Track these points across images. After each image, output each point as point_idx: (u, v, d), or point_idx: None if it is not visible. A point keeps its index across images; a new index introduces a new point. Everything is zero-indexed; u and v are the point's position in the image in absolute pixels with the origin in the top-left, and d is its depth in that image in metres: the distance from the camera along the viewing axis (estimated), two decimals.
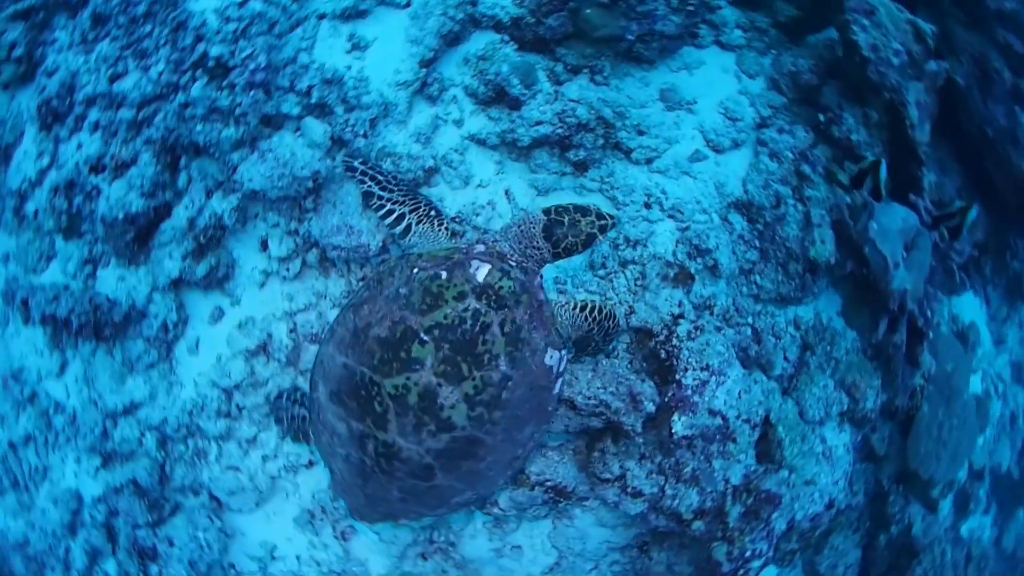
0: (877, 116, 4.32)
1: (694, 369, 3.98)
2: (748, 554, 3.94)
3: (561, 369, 3.35)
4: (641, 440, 4.00)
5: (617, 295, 4.29)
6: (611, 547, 4.43)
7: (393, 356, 2.97)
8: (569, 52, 4.41)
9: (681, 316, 4.11)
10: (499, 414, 3.10)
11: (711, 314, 4.37)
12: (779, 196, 4.45)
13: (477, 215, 4.24)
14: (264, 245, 4.13)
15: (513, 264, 3.26)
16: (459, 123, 4.35)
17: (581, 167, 4.41)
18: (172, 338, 4.04)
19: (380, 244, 3.96)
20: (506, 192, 4.35)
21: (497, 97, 4.30)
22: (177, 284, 4.01)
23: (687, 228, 4.43)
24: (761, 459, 4.24)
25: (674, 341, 4.03)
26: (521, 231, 3.33)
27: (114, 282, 3.96)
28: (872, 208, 4.09)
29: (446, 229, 3.60)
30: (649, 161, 4.54)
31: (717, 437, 4.02)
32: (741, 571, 4.00)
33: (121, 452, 3.93)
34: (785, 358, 4.54)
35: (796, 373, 4.52)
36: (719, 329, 4.33)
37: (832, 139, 4.43)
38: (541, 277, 3.39)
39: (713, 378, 3.99)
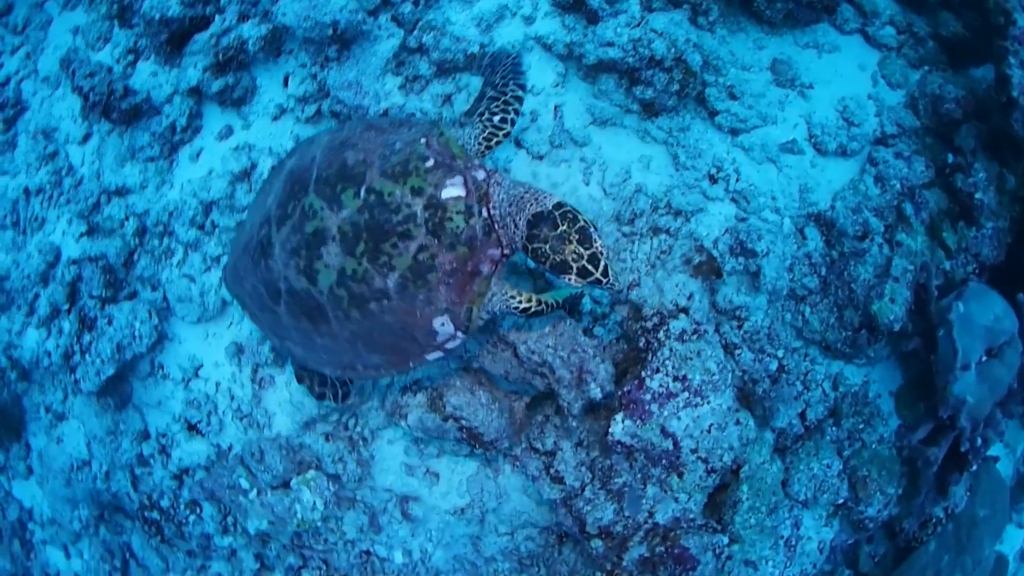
0: (1015, 183, 3.29)
1: (666, 375, 3.30)
2: None
3: (447, 346, 2.89)
4: (575, 424, 3.42)
5: (631, 260, 3.65)
6: (530, 521, 3.99)
7: (334, 182, 2.79)
8: None
9: (684, 311, 3.41)
10: (356, 314, 2.80)
11: (738, 327, 3.62)
12: (867, 228, 3.56)
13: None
14: (286, 82, 4.03)
15: (485, 215, 2.75)
16: (529, 20, 3.84)
17: (651, 109, 3.73)
18: (178, 141, 4.08)
19: (381, 111, 3.68)
20: (556, 107, 3.79)
21: (576, 4, 3.72)
22: (198, 94, 4.04)
23: (745, 220, 3.66)
24: (709, 511, 3.50)
25: (660, 334, 3.37)
26: (522, 199, 2.71)
27: (147, 76, 4.10)
28: (966, 288, 3.11)
29: (487, 138, 2.99)
30: (734, 132, 3.79)
31: (662, 462, 3.34)
32: None
33: (104, 227, 4.10)
34: (801, 416, 3.70)
35: (804, 437, 3.68)
36: (734, 350, 3.58)
37: (952, 189, 3.47)
38: (503, 256, 2.82)
39: (684, 395, 3.30)
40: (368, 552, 4.06)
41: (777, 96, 3.80)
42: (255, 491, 3.77)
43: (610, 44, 3.54)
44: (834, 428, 3.66)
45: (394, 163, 2.73)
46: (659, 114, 3.75)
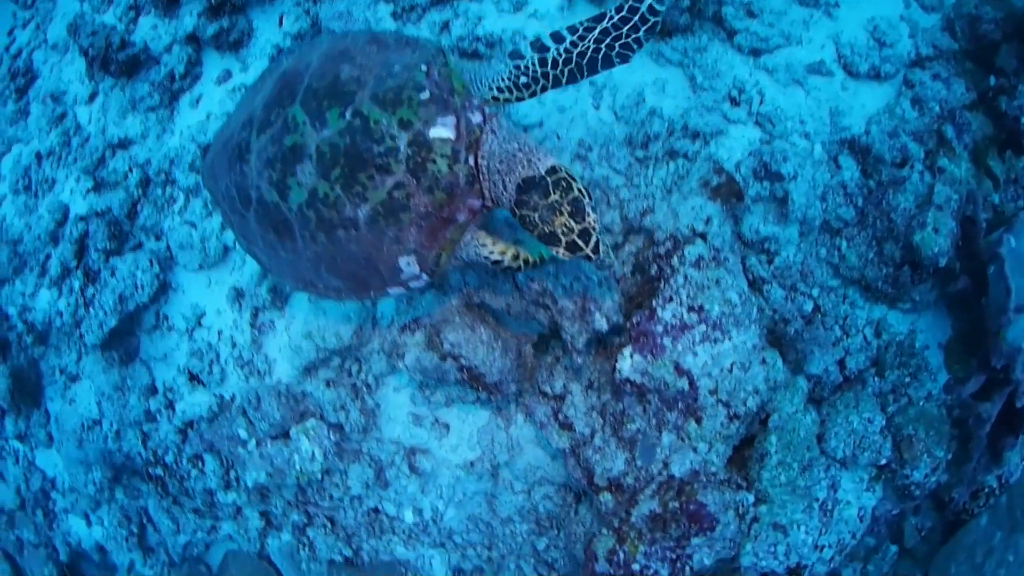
0: None
1: (680, 305, 3.00)
2: (636, 569, 2.94)
3: (410, 284, 2.72)
4: (581, 361, 3.14)
5: (646, 187, 3.36)
6: (546, 478, 3.72)
7: (323, 96, 2.63)
8: None
9: (701, 236, 3.09)
10: (322, 237, 2.67)
11: (767, 262, 3.28)
12: (906, 153, 3.21)
13: (516, 44, 3.53)
14: (280, 21, 3.97)
15: (471, 164, 2.54)
16: None
17: (665, 31, 3.44)
18: (178, 89, 4.07)
19: None
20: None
21: None
22: (196, 41, 4.04)
23: (769, 142, 3.31)
24: (732, 465, 3.14)
25: (675, 261, 3.06)
26: (514, 157, 2.49)
27: (147, 29, 4.13)
28: (1017, 220, 2.70)
29: (500, 90, 2.67)
30: (756, 53, 3.48)
31: (678, 406, 3.02)
32: None
33: (109, 181, 4.10)
34: (840, 364, 3.31)
35: (842, 386, 3.28)
36: (762, 285, 3.24)
37: (996, 112, 3.15)
38: (484, 208, 2.61)
39: (701, 328, 2.98)
40: (376, 510, 3.88)
41: (800, 15, 3.49)
42: (253, 441, 3.66)
43: None
44: (875, 380, 3.25)
45: (388, 87, 2.56)
46: (672, 34, 3.46)
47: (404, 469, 3.83)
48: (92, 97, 4.22)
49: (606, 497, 3.16)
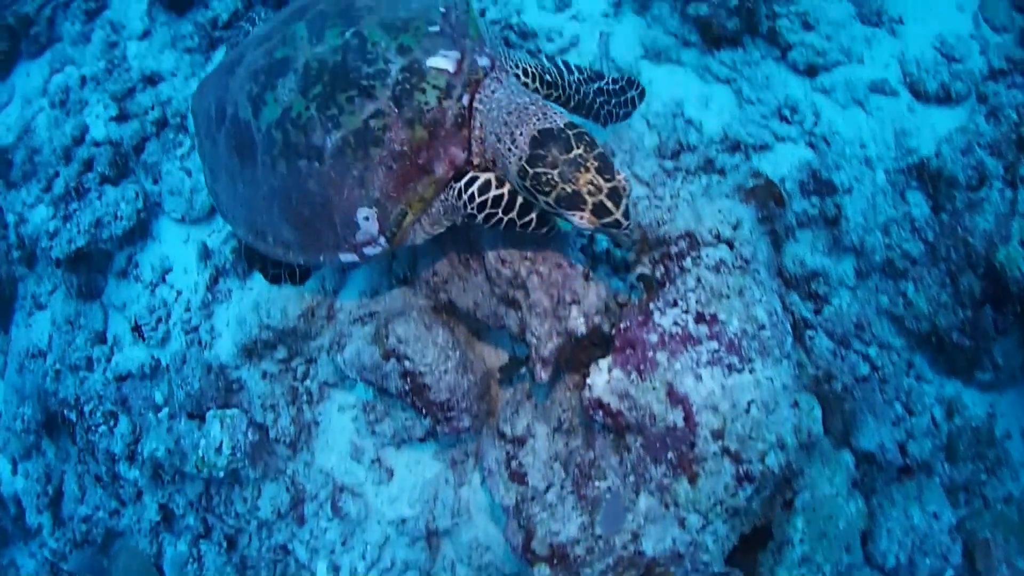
0: None
1: (686, 311, 2.33)
2: None
3: (364, 250, 2.36)
4: (545, 377, 2.44)
5: (669, 198, 2.83)
6: (495, 565, 2.92)
7: (331, 16, 2.46)
8: None
9: (727, 243, 2.45)
10: (282, 166, 2.36)
11: (814, 310, 2.60)
12: (983, 171, 2.69)
13: (551, 40, 3.28)
14: None
15: (465, 105, 2.23)
16: None
17: (710, 35, 3.10)
18: (217, 38, 3.97)
19: None
20: (601, 34, 3.26)
21: None
22: None
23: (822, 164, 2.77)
24: (739, 556, 2.25)
25: (687, 261, 2.42)
26: (527, 109, 2.17)
27: None
28: None
29: (523, 72, 2.53)
30: (812, 71, 3.11)
31: (666, 454, 2.24)
32: None
33: (131, 112, 4.00)
34: (902, 448, 2.44)
35: (902, 474, 2.38)
36: (804, 331, 2.54)
37: None
38: (468, 163, 2.28)
39: (711, 344, 2.28)
40: (285, 548, 3.12)
41: (862, 32, 3.17)
42: (167, 411, 3.16)
43: None
44: (944, 467, 2.41)
45: (399, 16, 2.37)
46: (721, 44, 3.11)
47: (327, 509, 3.11)
48: (145, 34, 4.24)
49: (542, 571, 2.30)
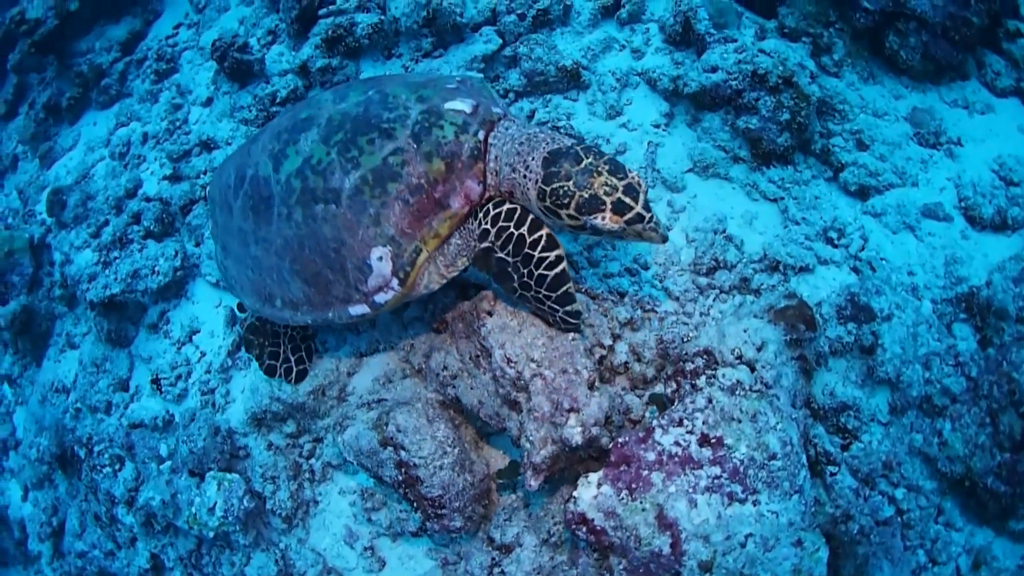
0: None
1: (691, 432, 2.18)
2: None
3: (375, 297, 2.40)
4: (535, 484, 2.31)
5: (698, 315, 2.72)
6: None
7: (354, 85, 2.67)
8: (791, 13, 3.25)
9: (748, 364, 2.31)
10: (298, 214, 2.45)
11: (843, 446, 2.40)
12: None
13: (596, 144, 3.30)
14: None
15: (480, 139, 2.32)
16: (638, 54, 3.56)
17: (759, 150, 3.03)
18: (274, 112, 4.09)
19: None
20: (649, 143, 3.27)
21: (685, 36, 3.39)
22: (307, 74, 4.11)
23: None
24: None
25: (700, 380, 2.29)
26: (535, 137, 2.26)
27: (275, 55, 4.26)
28: None
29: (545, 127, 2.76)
30: (864, 193, 2.96)
31: None
32: None
33: (184, 174, 4.15)
34: None
35: None
36: (826, 467, 2.33)
37: None
38: (483, 196, 2.32)
39: (712, 470, 2.11)
40: None
41: (918, 154, 3.02)
42: (169, 464, 3.19)
43: (714, 69, 3.07)
44: None
45: (419, 82, 2.56)
46: (771, 161, 3.02)
47: None
48: (209, 101, 4.48)
49: None
